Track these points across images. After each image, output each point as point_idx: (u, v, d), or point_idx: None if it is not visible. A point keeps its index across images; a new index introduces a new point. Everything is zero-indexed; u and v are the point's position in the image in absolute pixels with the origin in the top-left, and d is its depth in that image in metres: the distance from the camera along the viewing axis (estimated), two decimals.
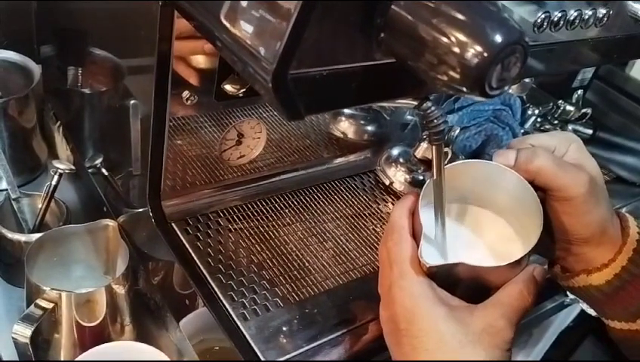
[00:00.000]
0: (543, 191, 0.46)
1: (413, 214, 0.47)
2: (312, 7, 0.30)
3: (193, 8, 0.41)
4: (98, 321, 0.60)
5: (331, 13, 0.32)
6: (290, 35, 0.31)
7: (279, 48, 0.31)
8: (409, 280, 0.44)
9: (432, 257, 0.44)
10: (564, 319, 0.99)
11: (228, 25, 0.36)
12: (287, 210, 0.68)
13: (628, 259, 0.46)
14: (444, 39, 0.31)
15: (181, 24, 0.47)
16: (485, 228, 0.50)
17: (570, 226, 0.46)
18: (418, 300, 0.43)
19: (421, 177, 0.73)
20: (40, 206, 0.70)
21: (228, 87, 0.54)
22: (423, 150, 0.72)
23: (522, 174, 0.46)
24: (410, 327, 0.43)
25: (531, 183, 0.46)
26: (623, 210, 0.87)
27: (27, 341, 0.55)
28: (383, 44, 0.34)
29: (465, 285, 0.45)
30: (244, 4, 0.35)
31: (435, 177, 0.43)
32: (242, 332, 0.53)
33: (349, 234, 0.67)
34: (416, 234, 0.46)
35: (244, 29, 0.34)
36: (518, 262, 0.45)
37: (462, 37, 0.31)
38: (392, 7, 0.33)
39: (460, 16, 0.31)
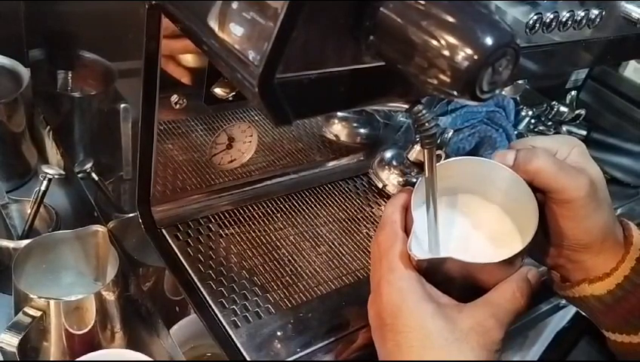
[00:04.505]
0: (543, 194, 0.46)
1: (407, 211, 0.46)
2: (299, 8, 0.30)
3: (180, 11, 0.40)
4: (88, 329, 0.60)
5: (319, 15, 0.31)
6: (276, 37, 0.30)
7: (265, 51, 0.31)
8: (397, 274, 0.43)
9: (422, 252, 0.44)
10: (559, 321, 0.98)
11: (214, 29, 0.35)
12: (279, 215, 0.67)
13: (631, 268, 0.45)
14: (434, 42, 0.30)
15: (169, 24, 0.46)
16: (480, 225, 0.50)
17: (570, 231, 0.46)
18: (405, 295, 0.42)
19: (414, 180, 0.72)
20: (29, 212, 0.69)
21: (217, 91, 0.53)
22: (416, 153, 0.71)
23: (521, 175, 0.45)
24: (396, 322, 0.42)
25: (530, 185, 0.45)
26: (618, 212, 0.87)
27: (14, 350, 0.54)
28: (372, 47, 0.34)
29: (456, 283, 0.45)
30: (230, 7, 0.34)
31: (427, 176, 0.43)
32: (233, 340, 0.52)
33: (342, 238, 0.66)
34: (408, 231, 0.45)
35: (231, 33, 0.34)
36: (511, 262, 0.44)
37: (452, 39, 0.30)
38: (381, 9, 0.32)
39: (450, 19, 0.30)
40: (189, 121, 0.58)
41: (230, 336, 0.53)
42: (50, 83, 0.74)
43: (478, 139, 0.85)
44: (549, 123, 1.02)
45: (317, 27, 0.32)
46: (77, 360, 0.55)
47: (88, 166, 0.69)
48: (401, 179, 0.73)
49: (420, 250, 0.44)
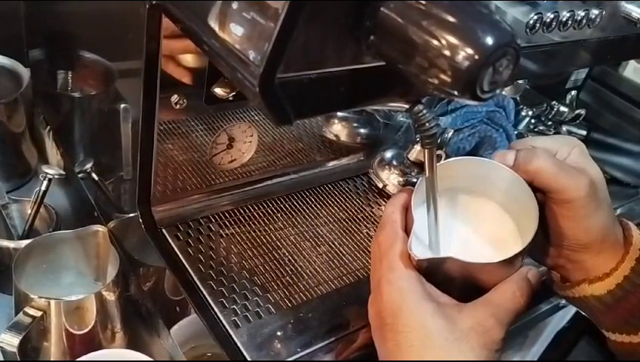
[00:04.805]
0: (543, 194, 0.46)
1: (407, 211, 0.46)
2: (300, 8, 0.30)
3: (180, 11, 0.40)
4: (88, 329, 0.60)
5: (319, 15, 0.31)
6: (277, 37, 0.30)
7: (266, 50, 0.31)
8: (398, 273, 0.43)
9: (422, 251, 0.44)
10: (559, 321, 0.98)
11: (215, 28, 0.35)
12: (279, 215, 0.67)
13: (630, 268, 0.45)
14: (435, 42, 0.30)
15: (170, 24, 0.46)
16: (480, 225, 0.50)
17: (570, 231, 0.46)
18: (405, 294, 0.42)
19: (414, 180, 0.72)
20: (29, 212, 0.69)
21: (218, 91, 0.53)
22: (416, 152, 0.71)
23: (521, 175, 0.45)
24: (396, 322, 0.42)
25: (530, 185, 0.45)
26: (618, 212, 0.87)
27: (15, 350, 0.54)
28: (373, 47, 0.34)
29: (457, 283, 0.45)
30: (231, 7, 0.34)
31: (427, 176, 0.43)
32: (233, 340, 0.52)
33: (343, 238, 0.66)
34: (409, 231, 0.45)
35: (232, 33, 0.34)
36: (511, 262, 0.44)
37: (452, 39, 0.30)
38: (382, 9, 0.32)
39: (451, 19, 0.30)
40: (190, 121, 0.58)
41: (231, 336, 0.53)
42: (50, 83, 0.74)
43: (478, 139, 0.85)
44: (549, 123, 1.02)
45: (317, 27, 0.32)
46: (77, 360, 0.55)
47: (88, 166, 0.69)
48: (401, 179, 0.73)
49: (420, 250, 0.44)
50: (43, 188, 0.67)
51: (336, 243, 0.65)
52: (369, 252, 0.65)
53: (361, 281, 0.61)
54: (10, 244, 0.65)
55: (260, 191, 0.69)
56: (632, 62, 1.06)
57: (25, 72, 0.79)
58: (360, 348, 0.55)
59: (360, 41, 0.34)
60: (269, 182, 0.70)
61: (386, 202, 0.73)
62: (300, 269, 0.61)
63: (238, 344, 0.52)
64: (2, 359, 0.56)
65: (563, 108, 1.02)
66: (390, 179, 0.73)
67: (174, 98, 0.53)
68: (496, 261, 0.43)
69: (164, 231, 0.61)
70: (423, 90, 0.35)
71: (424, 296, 0.42)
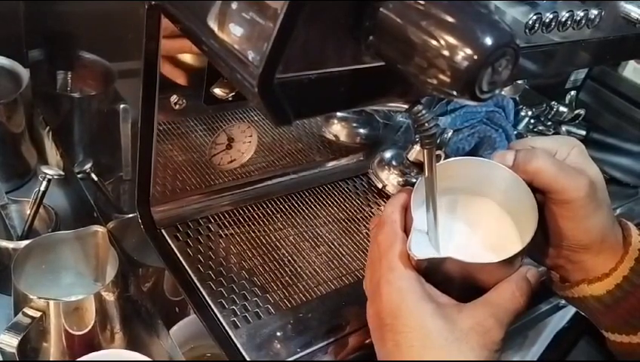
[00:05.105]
0: (542, 194, 0.46)
1: (406, 211, 0.46)
2: (299, 8, 0.30)
3: (179, 11, 0.40)
4: (87, 329, 0.60)
5: (319, 15, 0.31)
6: (276, 37, 0.30)
7: (265, 51, 0.31)
8: (397, 273, 0.43)
9: (422, 251, 0.44)
10: (559, 321, 0.98)
11: (214, 29, 0.35)
12: (278, 215, 0.67)
13: (630, 268, 0.45)
14: (434, 42, 0.30)
15: (169, 24, 0.46)
16: (479, 225, 0.50)
17: (569, 231, 0.46)
18: (405, 295, 0.42)
19: (414, 180, 0.72)
20: (28, 212, 0.69)
21: (217, 91, 0.53)
22: (415, 153, 0.71)
23: (521, 175, 0.45)
24: (395, 322, 0.42)
25: (530, 185, 0.45)
26: (617, 212, 0.87)
27: (14, 350, 0.54)
28: (372, 47, 0.34)
29: (456, 283, 0.45)
30: (230, 7, 0.34)
31: (426, 176, 0.43)
32: (233, 340, 0.52)
33: (342, 239, 0.66)
34: (408, 231, 0.45)
35: (231, 33, 0.34)
36: (510, 262, 0.44)
37: (451, 40, 0.30)
38: (381, 9, 0.32)
39: (450, 19, 0.30)
40: (189, 122, 0.58)
41: (230, 337, 0.53)
42: (50, 83, 0.74)
43: (478, 140, 0.85)
44: (549, 123, 1.02)
45: (317, 27, 0.32)
46: (77, 360, 0.55)
47: (88, 166, 0.69)
48: (400, 179, 0.73)
49: (420, 250, 0.44)
50: (42, 188, 0.67)
51: (335, 243, 0.65)
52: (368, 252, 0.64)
53: (360, 281, 0.60)
54: (10, 245, 0.65)
55: (259, 192, 0.69)
56: (632, 63, 1.06)
57: (24, 73, 0.79)
58: (360, 348, 0.55)
59: (359, 41, 0.33)
60: (268, 183, 0.70)
61: (385, 202, 0.72)
62: (299, 269, 0.61)
63: (238, 344, 0.52)
64: (2, 359, 0.56)
65: (562, 109, 1.02)
66: (390, 179, 0.73)
67: (174, 98, 0.53)
68: (495, 261, 0.43)
69: (163, 231, 0.61)
70: (423, 91, 0.35)
71: (424, 296, 0.42)
